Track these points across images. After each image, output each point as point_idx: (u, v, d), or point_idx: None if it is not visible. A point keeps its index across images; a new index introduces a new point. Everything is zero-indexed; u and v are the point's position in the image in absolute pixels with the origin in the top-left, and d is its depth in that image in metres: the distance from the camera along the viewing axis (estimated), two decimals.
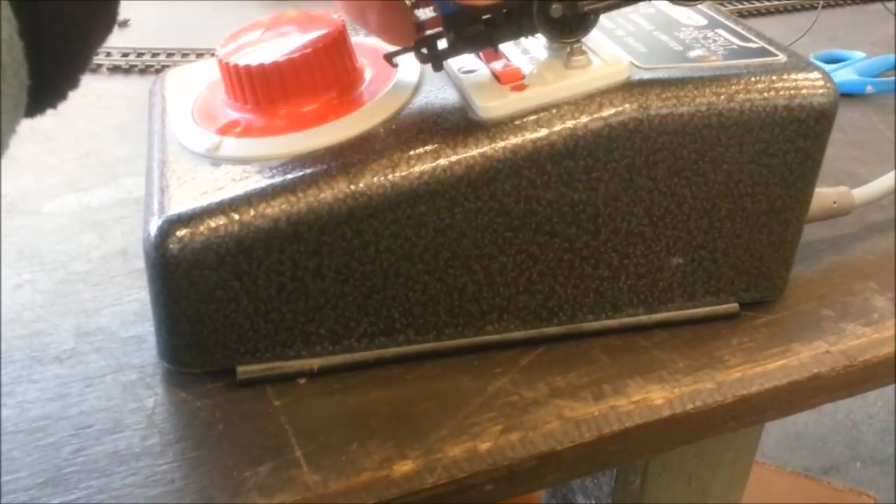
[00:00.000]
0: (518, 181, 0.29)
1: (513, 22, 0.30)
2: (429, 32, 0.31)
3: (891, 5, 0.67)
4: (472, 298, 0.31)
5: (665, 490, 0.42)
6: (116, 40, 0.62)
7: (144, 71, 0.57)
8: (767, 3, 0.69)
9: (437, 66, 0.31)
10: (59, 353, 0.32)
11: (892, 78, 0.54)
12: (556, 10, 0.29)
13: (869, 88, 0.53)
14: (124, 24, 0.64)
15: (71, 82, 0.24)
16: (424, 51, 0.31)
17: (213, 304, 0.29)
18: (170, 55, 0.59)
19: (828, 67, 0.54)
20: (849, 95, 0.53)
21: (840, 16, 0.69)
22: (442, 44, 0.30)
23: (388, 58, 0.31)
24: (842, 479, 1.24)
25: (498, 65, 0.31)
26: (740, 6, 0.69)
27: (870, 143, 0.48)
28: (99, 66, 0.57)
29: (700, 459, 0.42)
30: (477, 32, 0.30)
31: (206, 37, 0.62)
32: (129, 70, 0.57)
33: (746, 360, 0.32)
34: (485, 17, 0.30)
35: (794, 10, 0.69)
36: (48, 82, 0.23)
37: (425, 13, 0.33)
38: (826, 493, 1.09)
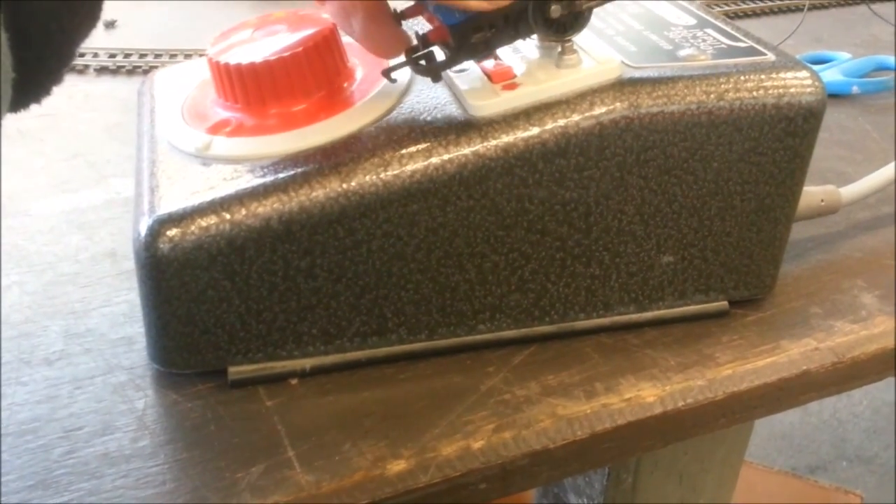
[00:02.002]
0: (510, 180, 0.29)
1: (510, 26, 0.30)
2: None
3: (877, 7, 0.68)
4: (465, 297, 0.31)
5: (657, 488, 0.42)
6: (104, 41, 0.61)
7: (132, 72, 0.57)
8: (753, 5, 0.69)
9: (436, 78, 0.31)
10: (48, 355, 0.32)
11: (878, 78, 0.55)
12: (555, 10, 0.29)
13: (855, 89, 0.54)
14: (111, 24, 0.64)
15: (54, 77, 0.23)
16: (422, 63, 0.30)
17: (203, 304, 0.29)
18: (157, 56, 0.58)
19: (814, 68, 0.54)
20: (835, 96, 0.54)
21: (825, 17, 0.69)
22: (439, 54, 0.30)
23: (387, 73, 0.31)
24: (828, 478, 1.25)
25: (489, 64, 0.31)
26: (727, 8, 0.69)
27: (856, 143, 0.48)
28: (86, 66, 0.57)
29: (691, 458, 0.42)
30: (479, 40, 0.29)
31: (194, 38, 0.61)
32: (116, 71, 0.57)
33: (737, 358, 0.32)
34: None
35: (780, 11, 0.69)
36: (32, 77, 0.22)
37: (422, 26, 0.32)
38: (813, 491, 1.10)
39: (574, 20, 0.30)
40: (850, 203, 0.39)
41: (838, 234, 0.40)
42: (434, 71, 0.31)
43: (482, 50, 0.30)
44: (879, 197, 0.41)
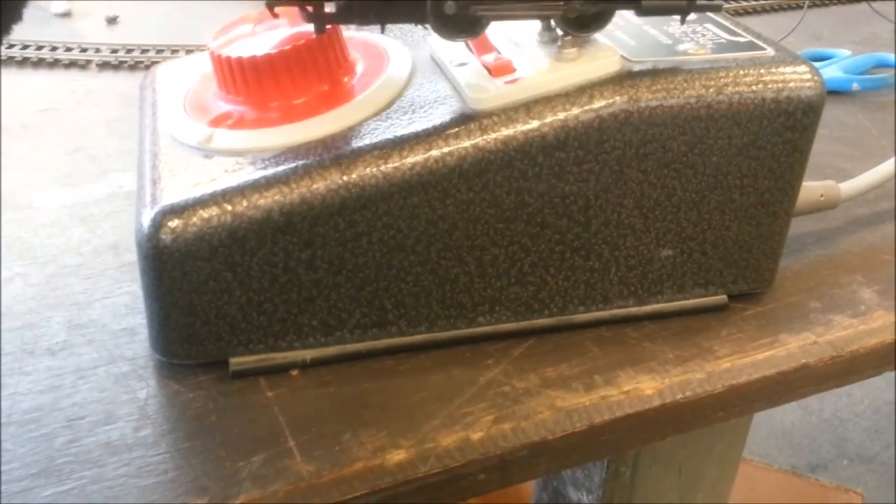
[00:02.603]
0: (510, 173, 0.30)
1: (405, 6, 0.29)
2: None
3: (877, 5, 0.68)
4: (464, 290, 0.31)
5: (655, 481, 0.42)
6: (106, 36, 0.62)
7: (134, 67, 0.57)
8: (754, 3, 0.70)
9: (319, 28, 0.30)
10: (52, 346, 0.32)
11: (878, 75, 0.55)
12: (449, 6, 0.29)
13: (855, 86, 0.54)
14: (114, 20, 0.64)
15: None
16: (309, 9, 0.30)
17: (205, 295, 0.29)
18: (159, 52, 0.59)
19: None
20: (835, 93, 0.54)
21: (825, 15, 0.69)
22: (330, 7, 0.30)
23: (270, 7, 0.31)
24: (829, 477, 1.25)
25: (489, 57, 0.32)
26: (727, 5, 0.69)
27: (855, 140, 0.48)
28: (88, 62, 0.57)
29: (690, 451, 0.42)
30: (367, 6, 0.29)
31: (196, 33, 0.62)
32: (118, 66, 0.57)
33: (735, 351, 0.32)
34: None
35: (780, 9, 0.70)
36: None
37: None
38: (813, 490, 1.10)
39: (469, 23, 0.29)
40: (849, 198, 0.39)
41: (837, 229, 0.40)
42: (318, 20, 0.30)
43: (370, 18, 0.30)
44: (878, 193, 0.41)
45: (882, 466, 1.34)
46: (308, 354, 0.31)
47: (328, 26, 0.32)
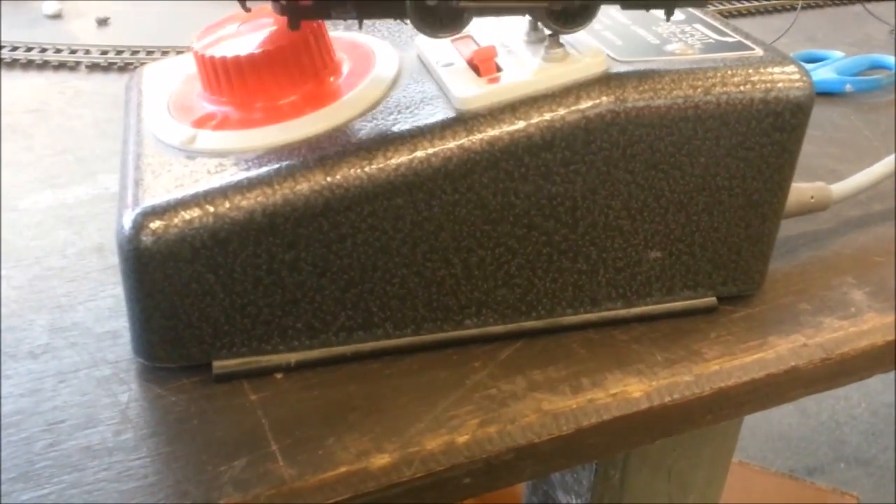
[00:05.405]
0: (495, 173, 0.29)
1: (384, 1, 0.29)
2: None
3: (872, 6, 0.68)
4: (451, 292, 0.31)
5: (645, 485, 0.42)
6: (96, 38, 0.61)
7: (123, 69, 0.57)
8: (747, 4, 0.69)
9: (293, 24, 0.30)
10: (33, 349, 0.31)
11: (871, 77, 0.55)
12: None
13: (848, 87, 0.54)
14: (104, 21, 0.64)
15: None
16: (283, 1, 0.29)
17: (187, 297, 0.29)
18: (149, 53, 0.58)
19: (807, 66, 0.54)
20: (828, 94, 0.54)
21: (819, 16, 0.69)
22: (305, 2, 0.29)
23: (242, 1, 0.31)
24: (826, 480, 1.24)
25: (476, 57, 0.31)
26: (720, 7, 0.69)
27: (848, 141, 0.48)
28: (78, 63, 0.57)
29: (679, 454, 0.42)
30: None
31: (186, 35, 0.61)
32: (107, 68, 0.57)
33: (724, 354, 0.32)
34: None
35: (773, 10, 0.69)
36: None
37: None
38: (810, 493, 1.10)
39: (451, 18, 0.29)
40: (840, 200, 0.39)
41: (828, 230, 0.40)
42: (292, 15, 0.29)
43: (348, 13, 0.29)
44: (870, 194, 0.41)
45: (879, 469, 1.33)
46: (293, 357, 0.31)
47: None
